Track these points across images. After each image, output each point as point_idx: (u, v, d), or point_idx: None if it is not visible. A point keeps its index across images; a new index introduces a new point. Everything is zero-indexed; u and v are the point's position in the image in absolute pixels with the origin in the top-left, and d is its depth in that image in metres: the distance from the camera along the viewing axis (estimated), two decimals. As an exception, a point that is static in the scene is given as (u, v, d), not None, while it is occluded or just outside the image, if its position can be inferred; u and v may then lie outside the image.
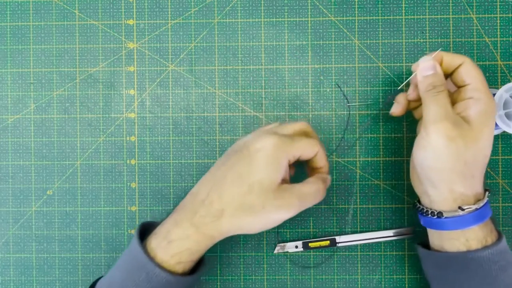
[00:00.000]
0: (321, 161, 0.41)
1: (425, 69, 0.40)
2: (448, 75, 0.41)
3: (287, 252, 0.47)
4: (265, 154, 0.38)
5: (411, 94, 0.43)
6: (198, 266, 0.41)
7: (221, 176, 0.39)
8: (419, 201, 0.42)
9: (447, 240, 0.40)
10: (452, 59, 0.40)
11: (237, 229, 0.39)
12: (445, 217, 0.39)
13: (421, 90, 0.40)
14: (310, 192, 0.39)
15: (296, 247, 0.47)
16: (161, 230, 0.39)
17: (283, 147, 0.38)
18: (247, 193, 0.37)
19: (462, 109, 0.39)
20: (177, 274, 0.38)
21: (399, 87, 0.45)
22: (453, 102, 0.40)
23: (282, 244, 0.47)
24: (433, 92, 0.39)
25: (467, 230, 0.38)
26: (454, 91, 0.41)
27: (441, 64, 0.40)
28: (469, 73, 0.39)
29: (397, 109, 0.44)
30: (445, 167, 0.38)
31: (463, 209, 0.38)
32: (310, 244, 0.47)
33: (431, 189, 0.39)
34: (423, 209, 0.41)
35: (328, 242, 0.47)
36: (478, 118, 0.38)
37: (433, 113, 0.38)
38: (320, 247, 0.47)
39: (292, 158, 0.39)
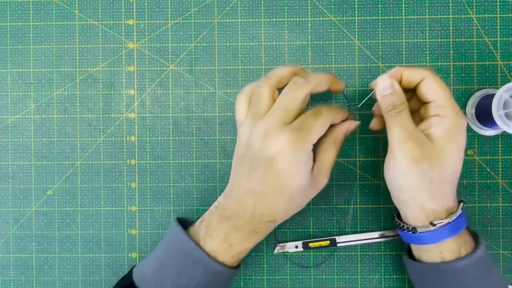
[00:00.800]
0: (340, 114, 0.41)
1: (384, 88, 0.39)
2: (413, 90, 0.40)
3: (287, 252, 0.47)
4: (287, 161, 0.37)
5: (375, 110, 0.43)
6: None
7: (260, 192, 0.38)
8: (398, 215, 0.42)
9: (423, 252, 0.40)
10: (412, 75, 0.39)
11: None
12: (419, 232, 0.38)
13: (383, 110, 0.39)
14: (332, 160, 0.41)
15: (296, 247, 0.47)
16: (217, 234, 0.40)
17: (299, 145, 0.37)
18: (291, 200, 0.39)
19: (427, 126, 0.38)
20: (235, 268, 0.41)
21: (359, 105, 0.44)
22: (421, 119, 0.40)
23: (282, 244, 0.47)
24: (393, 113, 0.38)
25: (441, 243, 0.38)
26: (422, 107, 0.40)
27: (401, 81, 0.39)
28: (431, 89, 0.38)
29: (375, 124, 0.43)
30: (413, 187, 0.38)
31: (434, 225, 0.38)
32: (310, 244, 0.47)
33: (403, 206, 0.39)
34: (399, 223, 0.41)
35: (328, 242, 0.47)
36: (442, 136, 0.37)
37: (396, 134, 0.38)
38: (320, 247, 0.47)
39: (313, 142, 0.38)
